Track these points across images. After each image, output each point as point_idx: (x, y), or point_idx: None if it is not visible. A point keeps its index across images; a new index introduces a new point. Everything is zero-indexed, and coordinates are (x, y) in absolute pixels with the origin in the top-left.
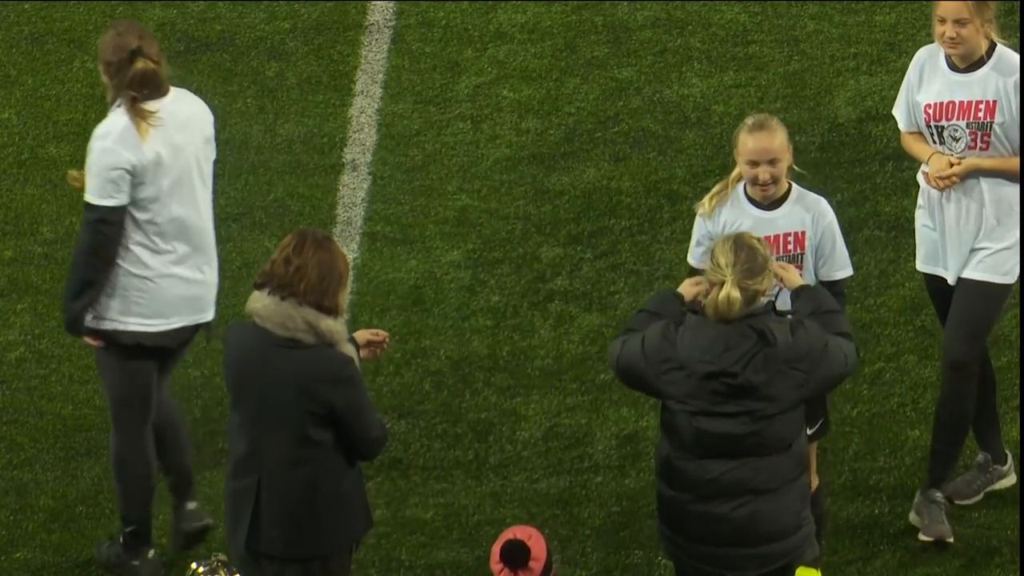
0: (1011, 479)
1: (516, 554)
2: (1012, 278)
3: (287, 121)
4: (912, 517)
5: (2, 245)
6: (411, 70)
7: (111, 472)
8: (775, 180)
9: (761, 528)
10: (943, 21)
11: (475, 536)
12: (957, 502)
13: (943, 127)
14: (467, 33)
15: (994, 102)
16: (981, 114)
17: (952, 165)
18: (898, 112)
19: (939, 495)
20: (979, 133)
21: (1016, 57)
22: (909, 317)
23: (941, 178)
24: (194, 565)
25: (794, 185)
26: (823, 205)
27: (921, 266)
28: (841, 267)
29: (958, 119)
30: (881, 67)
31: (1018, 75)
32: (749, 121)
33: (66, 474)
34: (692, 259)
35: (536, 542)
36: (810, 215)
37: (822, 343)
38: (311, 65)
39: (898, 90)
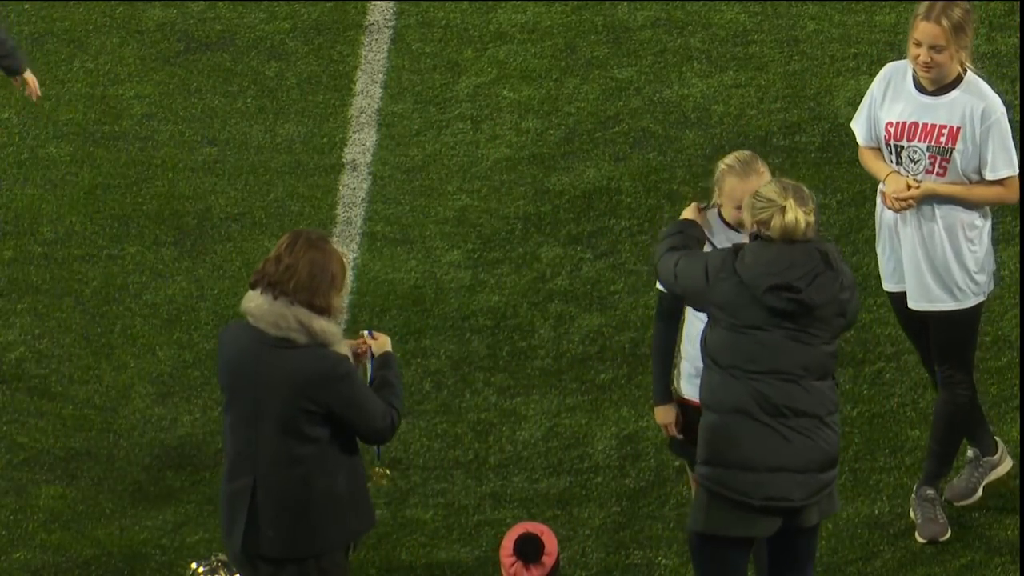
0: (1007, 465)
1: (530, 548)
2: (978, 298)
3: (287, 121)
4: (912, 514)
5: (2, 245)
6: (411, 70)
7: (111, 472)
8: None
9: (810, 452)
10: (919, 44)
11: (475, 536)
12: (958, 503)
13: (902, 147)
14: (467, 33)
15: (958, 128)
16: (943, 139)
17: (910, 187)
18: (857, 125)
19: (931, 492)
20: (938, 158)
21: (985, 86)
22: None
23: (899, 199)
24: (194, 565)
25: None
26: None
27: (888, 285)
28: None
29: (919, 141)
30: (881, 67)
31: (985, 104)
32: (734, 164)
33: (66, 474)
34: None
35: (548, 537)
36: None
37: (852, 274)
38: (311, 65)
39: None
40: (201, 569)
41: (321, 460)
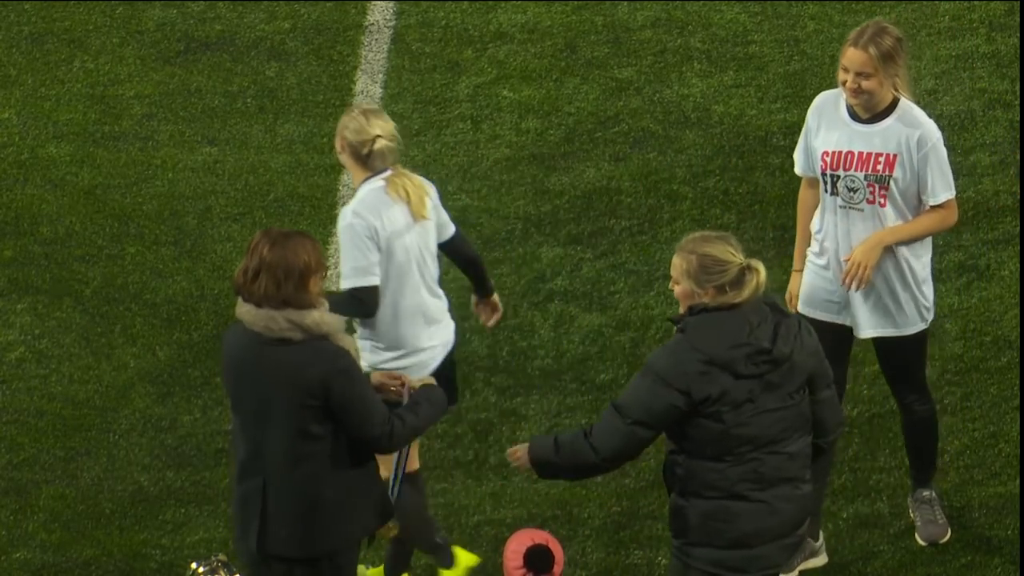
0: (822, 559)
1: (541, 559)
2: (925, 322)
3: (287, 121)
4: (911, 516)
5: (2, 245)
6: (411, 70)
7: (111, 472)
8: None
9: (795, 515)
10: (846, 70)
11: (475, 536)
12: None
13: (839, 176)
14: (467, 33)
15: (894, 156)
16: (880, 167)
17: (860, 265)
18: (797, 155)
19: (927, 493)
20: (877, 186)
21: (920, 112)
22: None
23: (857, 279)
24: (194, 565)
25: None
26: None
27: (808, 311)
28: None
29: (856, 170)
30: None
31: (921, 131)
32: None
33: (66, 474)
34: None
35: (555, 546)
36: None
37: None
38: (311, 65)
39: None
40: (201, 569)
41: (329, 457)
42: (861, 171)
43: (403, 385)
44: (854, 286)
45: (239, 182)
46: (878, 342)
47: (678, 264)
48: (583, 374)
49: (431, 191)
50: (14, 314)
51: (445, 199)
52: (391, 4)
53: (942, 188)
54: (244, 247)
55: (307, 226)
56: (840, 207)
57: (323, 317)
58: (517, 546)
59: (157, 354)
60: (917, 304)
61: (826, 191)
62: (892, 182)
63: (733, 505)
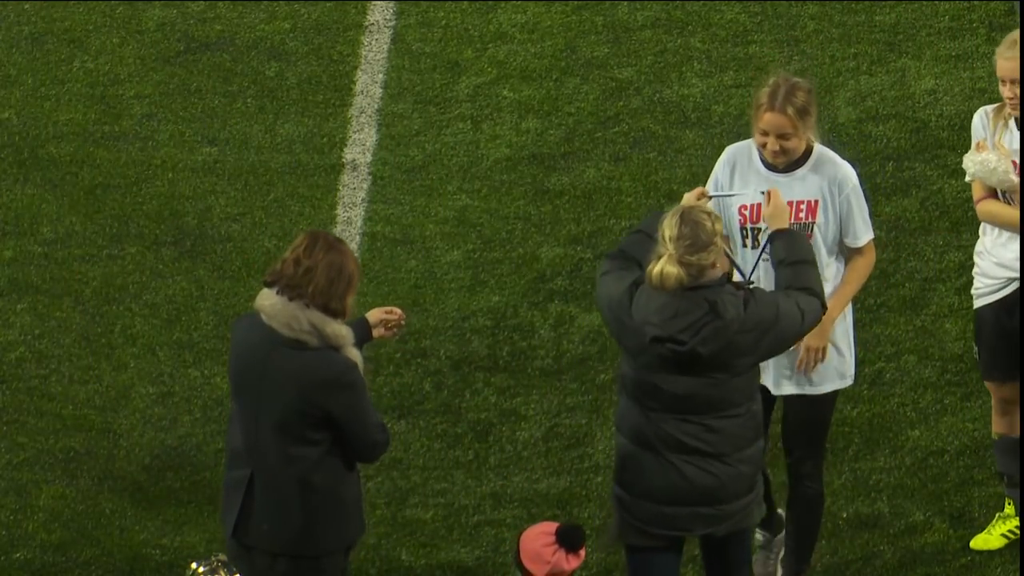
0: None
1: (574, 537)
2: (843, 381)
3: (287, 121)
4: None
5: (2, 245)
6: (411, 70)
7: (111, 472)
8: None
9: (716, 490)
10: (766, 134)
11: (475, 536)
12: None
13: (760, 229)
14: (467, 33)
15: (816, 202)
16: (803, 214)
17: (810, 348)
18: None
19: None
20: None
21: (835, 156)
22: (909, 317)
23: (812, 364)
24: (194, 565)
25: None
26: None
27: None
28: None
29: None
30: (881, 67)
31: (840, 174)
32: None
33: (66, 474)
34: None
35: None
36: None
37: (773, 311)
38: (311, 65)
39: (898, 90)
40: (201, 569)
41: (322, 462)
42: None
43: (401, 319)
44: (813, 368)
45: (239, 182)
46: (792, 402)
47: None
48: (583, 374)
49: None
50: (14, 314)
51: (445, 199)
52: (391, 4)
53: (863, 230)
54: (244, 247)
55: (307, 226)
56: (763, 260)
57: (341, 330)
58: (546, 527)
59: (157, 354)
60: (831, 364)
61: (744, 246)
62: (815, 229)
63: (644, 455)
